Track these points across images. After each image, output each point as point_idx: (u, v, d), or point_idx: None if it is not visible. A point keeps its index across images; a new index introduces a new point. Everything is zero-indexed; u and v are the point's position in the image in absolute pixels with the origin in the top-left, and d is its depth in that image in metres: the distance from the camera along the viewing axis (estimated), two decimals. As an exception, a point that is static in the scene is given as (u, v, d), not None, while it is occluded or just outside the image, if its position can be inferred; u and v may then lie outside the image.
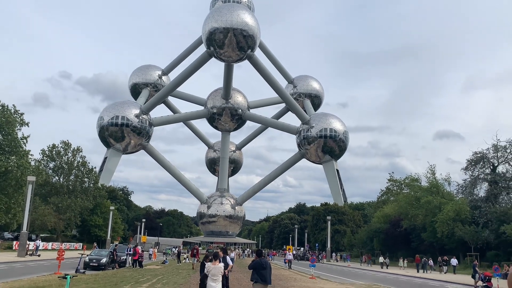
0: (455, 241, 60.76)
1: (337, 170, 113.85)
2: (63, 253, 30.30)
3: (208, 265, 15.32)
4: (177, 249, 69.47)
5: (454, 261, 54.60)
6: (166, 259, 55.44)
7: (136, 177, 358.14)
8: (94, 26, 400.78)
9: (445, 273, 52.29)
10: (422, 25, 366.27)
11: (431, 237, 64.79)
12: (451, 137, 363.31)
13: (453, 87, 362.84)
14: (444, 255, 60.19)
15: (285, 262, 56.30)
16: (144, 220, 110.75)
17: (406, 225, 71.50)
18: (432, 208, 64.54)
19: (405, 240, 74.57)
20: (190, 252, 52.89)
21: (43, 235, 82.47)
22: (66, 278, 11.50)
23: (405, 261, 62.97)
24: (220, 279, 14.94)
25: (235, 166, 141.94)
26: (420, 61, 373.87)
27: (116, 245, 47.90)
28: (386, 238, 78.49)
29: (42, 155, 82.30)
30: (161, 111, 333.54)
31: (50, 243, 73.56)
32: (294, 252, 63.83)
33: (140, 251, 41.70)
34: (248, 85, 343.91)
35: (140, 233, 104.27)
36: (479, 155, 66.38)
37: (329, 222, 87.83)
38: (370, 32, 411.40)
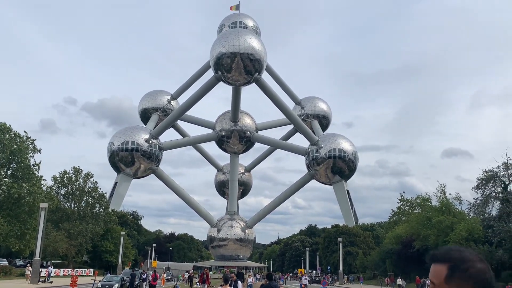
0: (469, 261, 59.86)
1: (348, 191, 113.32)
2: (76, 279, 30.61)
3: (219, 289, 15.60)
4: (188, 273, 69.15)
5: None
6: (177, 284, 55.29)
7: (144, 201, 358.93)
8: (97, 51, 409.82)
9: None
10: (425, 44, 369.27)
11: (444, 258, 63.91)
12: (460, 155, 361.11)
13: (459, 104, 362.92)
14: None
15: (301, 287, 53.90)
16: (154, 244, 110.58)
17: (419, 245, 70.61)
18: (444, 228, 63.84)
19: (418, 261, 73.47)
20: (199, 277, 45.49)
21: (54, 261, 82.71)
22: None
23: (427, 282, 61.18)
24: (232, 303, 15.19)
25: (244, 188, 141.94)
26: (425, 79, 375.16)
27: (133, 270, 47.63)
28: (398, 259, 77.48)
29: (53, 181, 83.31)
30: (170, 135, 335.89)
31: (62, 270, 73.69)
32: (307, 276, 61.29)
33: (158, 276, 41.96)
34: (255, 107, 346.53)
35: (151, 258, 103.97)
36: (489, 174, 65.87)
37: (340, 244, 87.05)
38: (373, 52, 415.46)
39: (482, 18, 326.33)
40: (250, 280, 36.47)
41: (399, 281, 64.44)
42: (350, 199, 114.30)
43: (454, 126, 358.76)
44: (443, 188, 70.08)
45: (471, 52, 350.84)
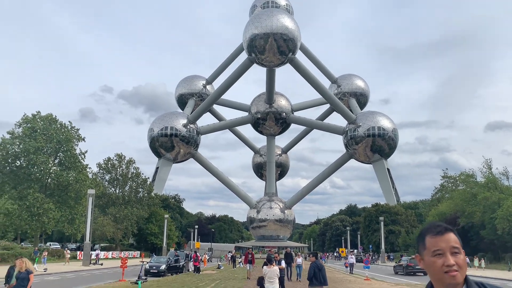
0: (517, 238, 57.92)
1: (388, 169, 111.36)
2: (126, 261, 32.00)
3: (264, 268, 15.96)
4: (231, 253, 70.65)
5: None
6: (220, 264, 56.73)
7: (184, 184, 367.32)
8: (129, 39, 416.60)
9: None
10: (464, 13, 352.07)
11: (491, 235, 62.09)
12: (505, 128, 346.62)
13: (503, 75, 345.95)
14: (506, 252, 57.39)
15: (346, 267, 50.70)
16: (196, 226, 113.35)
17: (463, 222, 68.90)
18: (490, 205, 61.86)
19: (463, 239, 70.25)
20: (243, 257, 45.20)
21: (103, 244, 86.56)
22: (137, 283, 12.56)
23: (482, 261, 57.01)
24: (277, 281, 15.53)
25: (282, 170, 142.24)
26: (466, 50, 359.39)
27: (176, 253, 48.94)
28: (442, 237, 75.91)
29: (98, 168, 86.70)
30: (206, 119, 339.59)
31: (110, 252, 77.04)
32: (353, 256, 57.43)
33: (199, 257, 43.39)
34: (289, 88, 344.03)
35: (194, 240, 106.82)
36: (539, 147, 62.90)
37: (382, 223, 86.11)
38: (409, 25, 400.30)
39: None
40: (299, 260, 33.88)
41: None
42: (390, 177, 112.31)
43: (498, 98, 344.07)
44: (489, 163, 67.69)
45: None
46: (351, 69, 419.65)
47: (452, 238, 2.64)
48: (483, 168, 68.65)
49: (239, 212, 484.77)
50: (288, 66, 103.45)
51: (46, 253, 50.45)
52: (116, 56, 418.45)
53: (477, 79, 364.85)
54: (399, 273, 50.11)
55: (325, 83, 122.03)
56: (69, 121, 66.47)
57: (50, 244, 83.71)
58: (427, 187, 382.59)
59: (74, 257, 63.84)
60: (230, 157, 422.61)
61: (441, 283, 2.56)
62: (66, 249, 61.67)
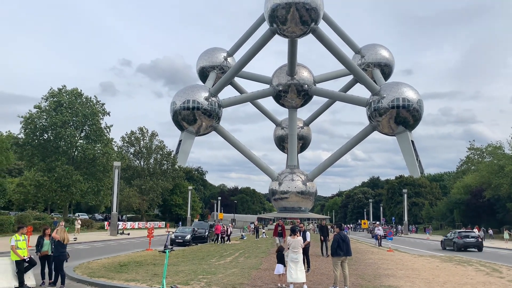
0: (546, 211, 56.75)
1: (412, 141, 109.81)
2: (152, 231, 32.89)
3: (288, 239, 16.12)
4: (253, 224, 71.87)
5: None
6: (243, 234, 57.75)
7: (206, 157, 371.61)
8: (145, 12, 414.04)
9: None
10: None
11: (518, 207, 61.08)
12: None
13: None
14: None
15: (376, 239, 46.55)
16: (219, 198, 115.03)
17: (489, 195, 67.82)
18: (518, 177, 60.56)
19: (489, 211, 70.89)
20: (273, 230, 42.53)
21: (129, 215, 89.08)
22: (165, 252, 12.95)
23: (506, 232, 54.84)
24: (301, 251, 15.67)
25: (303, 142, 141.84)
26: (493, 18, 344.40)
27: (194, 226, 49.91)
28: (467, 210, 75.13)
29: (122, 142, 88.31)
30: (227, 92, 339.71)
31: (136, 223, 79.22)
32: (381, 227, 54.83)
33: (223, 228, 44.36)
34: (310, 59, 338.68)
35: (217, 211, 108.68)
36: None
37: (405, 195, 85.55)
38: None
39: None
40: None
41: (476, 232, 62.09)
42: (415, 149, 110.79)
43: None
44: (518, 135, 65.87)
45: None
46: (372, 39, 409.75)
47: None
48: (511, 139, 67.05)
49: (261, 184, 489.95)
50: (310, 37, 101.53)
51: (63, 223, 51.55)
52: (133, 29, 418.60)
53: (504, 48, 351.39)
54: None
55: (348, 53, 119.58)
56: (94, 96, 67.52)
57: (78, 215, 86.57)
58: (451, 159, 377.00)
59: (102, 227, 66.02)
60: (250, 130, 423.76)
61: None
62: (78, 219, 63.11)
